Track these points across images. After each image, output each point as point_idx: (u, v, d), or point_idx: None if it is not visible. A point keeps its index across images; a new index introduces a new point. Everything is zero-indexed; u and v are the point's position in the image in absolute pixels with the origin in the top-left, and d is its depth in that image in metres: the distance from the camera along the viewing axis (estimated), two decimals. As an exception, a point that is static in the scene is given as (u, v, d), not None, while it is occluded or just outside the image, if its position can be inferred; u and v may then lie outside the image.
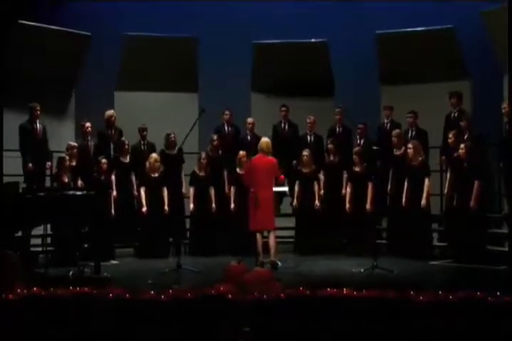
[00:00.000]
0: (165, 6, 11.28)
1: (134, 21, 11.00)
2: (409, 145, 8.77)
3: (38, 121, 9.23)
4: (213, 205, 9.42)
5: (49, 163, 9.18)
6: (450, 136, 8.69)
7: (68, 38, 10.27)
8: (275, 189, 8.21)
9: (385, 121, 9.96)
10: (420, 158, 8.76)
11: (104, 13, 11.05)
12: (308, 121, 10.04)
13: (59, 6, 10.92)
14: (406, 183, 8.80)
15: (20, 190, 7.69)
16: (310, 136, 10.07)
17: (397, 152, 9.17)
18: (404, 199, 8.78)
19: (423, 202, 8.61)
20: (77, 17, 10.77)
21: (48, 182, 9.11)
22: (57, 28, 10.21)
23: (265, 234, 8.15)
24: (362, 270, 7.66)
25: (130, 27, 10.78)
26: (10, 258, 6.32)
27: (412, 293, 5.47)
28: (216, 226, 9.45)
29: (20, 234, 7.70)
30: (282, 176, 8.21)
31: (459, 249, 8.32)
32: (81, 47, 10.49)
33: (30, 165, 8.99)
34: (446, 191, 8.75)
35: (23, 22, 9.75)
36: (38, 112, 9.20)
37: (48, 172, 9.18)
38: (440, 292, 5.48)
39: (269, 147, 8.17)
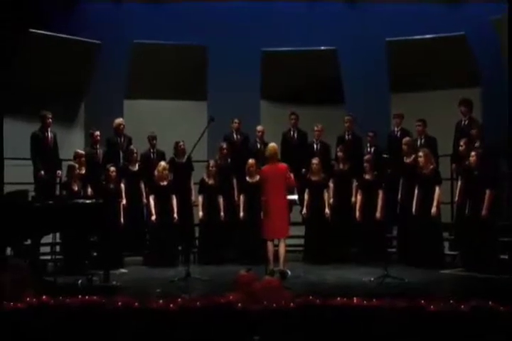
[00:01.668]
0: (174, 13, 11.33)
1: (144, 29, 11.03)
2: (420, 154, 8.76)
3: (49, 129, 9.29)
4: (222, 213, 9.43)
5: (59, 172, 9.23)
6: (461, 143, 8.67)
7: (78, 46, 10.34)
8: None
9: (395, 129, 9.95)
10: (431, 166, 8.74)
11: (114, 21, 11.10)
12: (315, 129, 10.04)
13: (68, 14, 10.97)
14: (416, 191, 8.78)
15: (30, 198, 7.73)
16: (317, 144, 10.07)
17: (407, 160, 9.16)
18: (414, 208, 8.75)
19: (433, 210, 8.59)
20: (86, 25, 10.82)
21: (57, 191, 9.15)
22: (66, 36, 10.27)
23: (276, 242, 8.14)
24: (372, 279, 7.63)
25: (139, 35, 10.83)
26: (19, 266, 6.34)
27: (422, 302, 5.44)
28: (225, 235, 9.45)
29: (29, 242, 7.71)
30: (292, 179, 8.15)
31: (470, 258, 8.29)
32: (90, 55, 10.55)
33: (42, 172, 9.04)
34: (456, 199, 8.73)
35: (33, 30, 9.82)
36: (50, 120, 9.28)
37: (57, 180, 9.22)
38: (451, 301, 5.46)
39: (277, 151, 8.18)
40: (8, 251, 7.62)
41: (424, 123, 9.44)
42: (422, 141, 9.41)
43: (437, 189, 8.65)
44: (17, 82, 9.62)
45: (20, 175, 9.02)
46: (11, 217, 7.09)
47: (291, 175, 8.14)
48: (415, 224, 8.77)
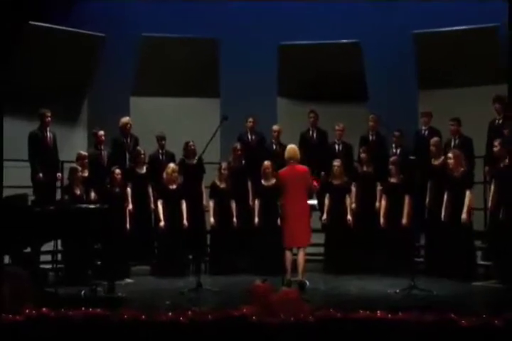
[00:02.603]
0: (184, 4, 11.36)
1: (152, 21, 11.10)
2: (450, 155, 8.73)
3: (48, 128, 9.36)
4: (235, 220, 9.45)
5: (59, 174, 9.29)
6: (495, 144, 8.63)
7: (81, 40, 10.41)
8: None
9: (423, 128, 9.92)
10: (462, 169, 8.71)
11: (119, 13, 11.16)
12: (337, 128, 10.05)
13: (71, 6, 11.05)
14: (446, 196, 8.75)
15: (29, 203, 7.79)
16: (338, 144, 10.08)
17: (435, 162, 9.14)
18: (443, 214, 8.73)
19: (464, 216, 8.56)
20: (90, 17, 10.89)
21: (58, 195, 9.21)
22: (68, 28, 10.35)
23: (294, 250, 8.15)
24: (397, 291, 7.62)
25: (147, 27, 10.89)
26: (18, 276, 6.39)
27: (453, 316, 5.43)
28: (239, 243, 9.47)
29: (29, 250, 7.76)
30: (315, 182, 8.19)
31: (505, 269, 8.25)
32: (95, 49, 10.62)
33: (41, 175, 9.10)
34: (490, 204, 8.69)
35: (33, 23, 9.89)
36: (49, 119, 9.33)
37: (58, 183, 9.29)
38: (484, 315, 5.44)
39: (298, 154, 8.19)
40: (7, 259, 7.67)
41: (459, 123, 9.39)
42: (457, 141, 9.38)
43: (468, 193, 8.62)
44: (15, 78, 9.67)
45: (20, 177, 9.09)
46: (9, 222, 7.13)
47: (313, 179, 8.16)
48: (444, 232, 8.74)
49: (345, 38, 11.04)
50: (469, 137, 9.39)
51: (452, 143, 9.39)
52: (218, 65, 11.17)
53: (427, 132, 9.83)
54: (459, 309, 5.98)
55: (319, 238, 9.46)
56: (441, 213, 8.74)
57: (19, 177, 9.06)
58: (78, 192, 8.77)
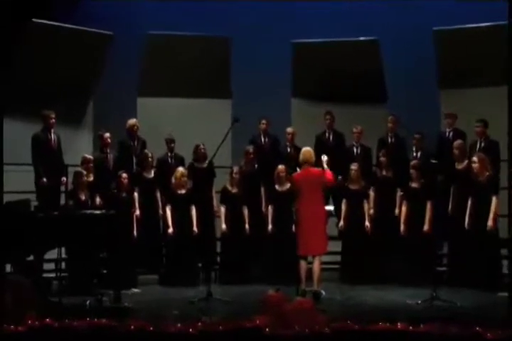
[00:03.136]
0: (193, 1, 11.40)
1: (160, 19, 11.14)
2: (474, 159, 8.70)
3: (52, 130, 9.39)
4: (247, 226, 9.46)
5: (64, 178, 9.30)
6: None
7: (86, 38, 10.43)
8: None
9: (447, 130, 9.89)
10: (487, 173, 8.68)
11: (127, 10, 11.22)
12: (354, 130, 10.04)
13: (76, 2, 11.11)
14: (470, 202, 8.72)
15: (32, 209, 7.81)
16: (356, 147, 10.07)
17: (459, 166, 9.11)
18: (467, 221, 8.70)
19: (489, 223, 8.52)
20: (96, 14, 10.94)
21: (62, 200, 9.23)
22: (73, 26, 10.38)
23: (309, 258, 8.14)
24: (419, 302, 7.61)
25: (155, 25, 10.92)
26: (20, 285, 6.41)
27: (477, 329, 5.40)
28: (251, 250, 9.47)
29: (31, 258, 7.79)
30: (329, 173, 8.12)
31: (533, 279, 8.21)
32: (100, 48, 10.64)
33: (45, 179, 9.13)
34: (516, 211, 8.66)
35: (36, 20, 9.94)
36: (53, 121, 9.36)
37: (62, 188, 9.31)
38: (510, 328, 5.41)
39: (313, 157, 8.19)
40: (9, 268, 7.70)
41: (485, 124, 9.35)
42: (482, 144, 9.35)
43: (494, 199, 8.59)
44: (17, 78, 9.71)
45: (23, 182, 9.12)
46: (11, 229, 7.15)
47: (327, 171, 8.08)
48: (468, 240, 8.71)
49: (363, 35, 11.03)
50: (496, 140, 9.35)
51: (477, 146, 9.35)
52: (229, 64, 11.18)
53: (451, 134, 9.79)
54: (484, 321, 5.97)
55: (336, 246, 9.44)
56: (464, 220, 8.72)
57: (21, 181, 9.09)
58: (83, 197, 8.80)
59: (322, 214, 8.08)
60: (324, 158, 8.23)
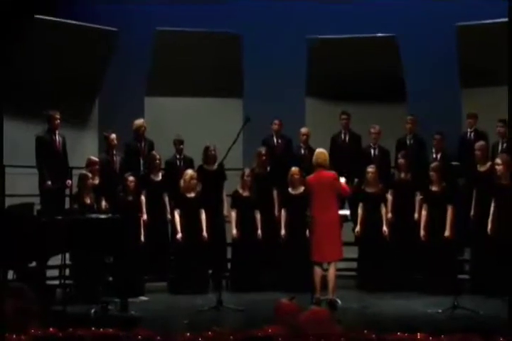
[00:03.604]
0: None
1: (168, 15, 11.16)
2: (498, 161, 8.68)
3: (57, 131, 9.40)
4: (259, 231, 9.45)
5: (69, 181, 9.33)
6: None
7: (91, 35, 10.46)
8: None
9: (468, 130, 9.87)
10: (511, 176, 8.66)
11: (134, 6, 11.24)
12: (372, 131, 10.03)
13: (80, -1, 11.18)
14: (493, 206, 8.70)
15: (35, 213, 7.84)
16: (374, 149, 10.06)
17: (481, 168, 9.09)
18: (490, 226, 8.68)
19: (514, 228, 8.52)
20: (101, 10, 10.98)
21: (67, 204, 9.26)
22: (78, 23, 10.40)
23: (325, 265, 8.12)
24: (440, 311, 7.59)
25: (163, 21, 10.94)
26: (23, 293, 6.43)
27: (501, 339, 5.39)
28: (263, 257, 9.47)
29: (34, 264, 7.82)
30: (344, 186, 8.16)
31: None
32: (106, 46, 10.66)
33: (49, 182, 9.15)
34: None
35: (39, 16, 9.98)
36: (58, 121, 9.37)
37: (67, 191, 9.34)
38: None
39: (327, 159, 8.18)
40: (10, 275, 7.73)
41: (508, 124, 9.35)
42: (505, 145, 9.32)
43: (518, 203, 8.58)
44: (20, 77, 9.75)
45: (26, 185, 9.16)
46: (13, 234, 7.17)
47: (342, 182, 8.12)
48: (491, 246, 8.68)
49: (381, 31, 11.01)
50: (519, 141, 9.35)
51: (500, 147, 9.34)
52: (241, 62, 11.18)
53: (472, 135, 9.78)
54: (508, 331, 5.94)
55: (352, 252, 9.43)
56: (487, 225, 8.69)
57: (24, 184, 9.13)
58: (88, 200, 8.81)
59: (336, 219, 8.07)
60: (342, 179, 8.23)
